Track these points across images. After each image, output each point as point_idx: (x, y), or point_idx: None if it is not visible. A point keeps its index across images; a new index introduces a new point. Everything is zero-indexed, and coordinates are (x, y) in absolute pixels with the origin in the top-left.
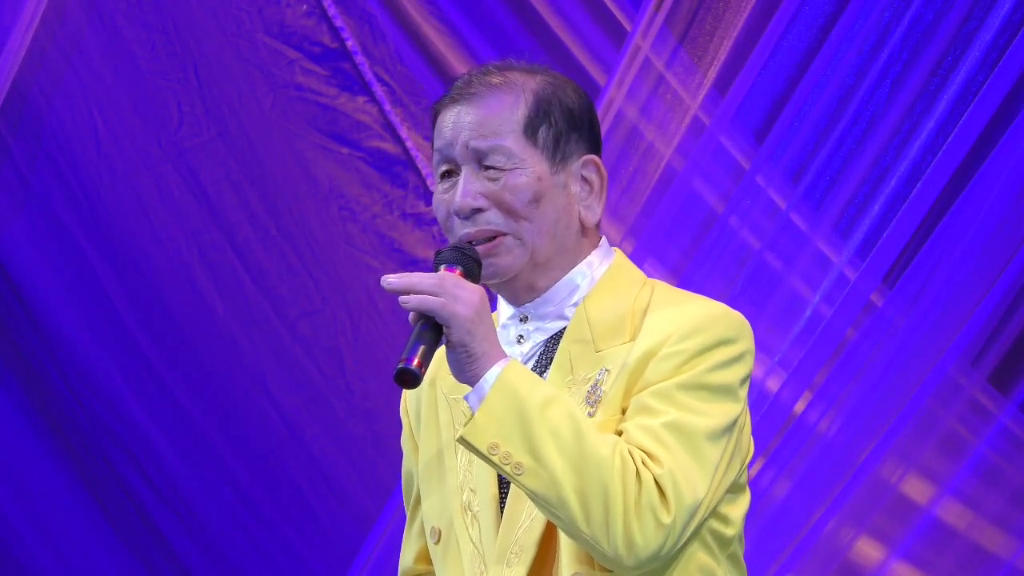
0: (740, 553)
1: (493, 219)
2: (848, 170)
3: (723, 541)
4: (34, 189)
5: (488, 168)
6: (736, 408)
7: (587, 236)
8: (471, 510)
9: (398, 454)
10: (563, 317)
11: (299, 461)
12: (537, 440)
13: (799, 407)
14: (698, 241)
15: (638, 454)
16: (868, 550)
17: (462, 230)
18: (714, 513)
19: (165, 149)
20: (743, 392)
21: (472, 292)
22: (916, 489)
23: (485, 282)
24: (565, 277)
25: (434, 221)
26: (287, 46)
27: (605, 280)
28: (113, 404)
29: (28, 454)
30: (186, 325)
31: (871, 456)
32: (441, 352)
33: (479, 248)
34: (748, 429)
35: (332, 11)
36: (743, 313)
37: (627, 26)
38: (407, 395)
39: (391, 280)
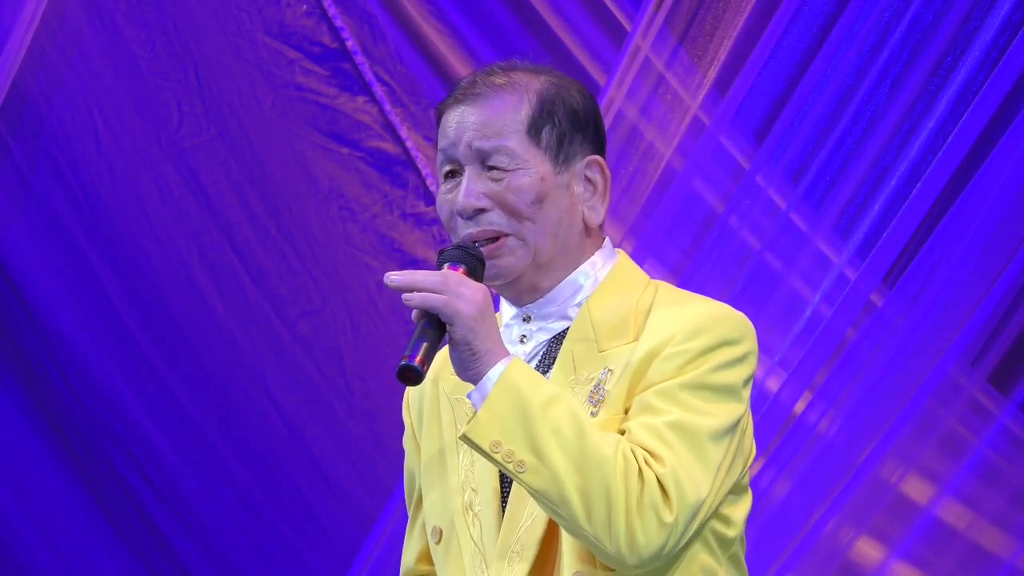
0: (742, 554)
1: (496, 220)
2: (848, 170)
3: (725, 542)
4: (34, 189)
5: (491, 168)
6: (739, 409)
7: (590, 237)
8: (472, 509)
9: (398, 454)
10: (566, 317)
11: (299, 461)
12: (539, 438)
13: (799, 407)
14: (698, 241)
15: (641, 453)
16: (868, 550)
17: (465, 230)
18: (716, 514)
19: (165, 149)
20: (746, 393)
21: (475, 290)
22: (916, 489)
23: (488, 283)
24: (568, 277)
25: (434, 221)
26: (287, 46)
27: (608, 280)
28: (113, 404)
29: (28, 454)
30: (186, 325)
31: (871, 456)
32: (444, 352)
33: (482, 249)
34: (750, 430)
35: (332, 11)
36: (743, 313)
37: (627, 26)
38: (409, 395)
39: (394, 277)
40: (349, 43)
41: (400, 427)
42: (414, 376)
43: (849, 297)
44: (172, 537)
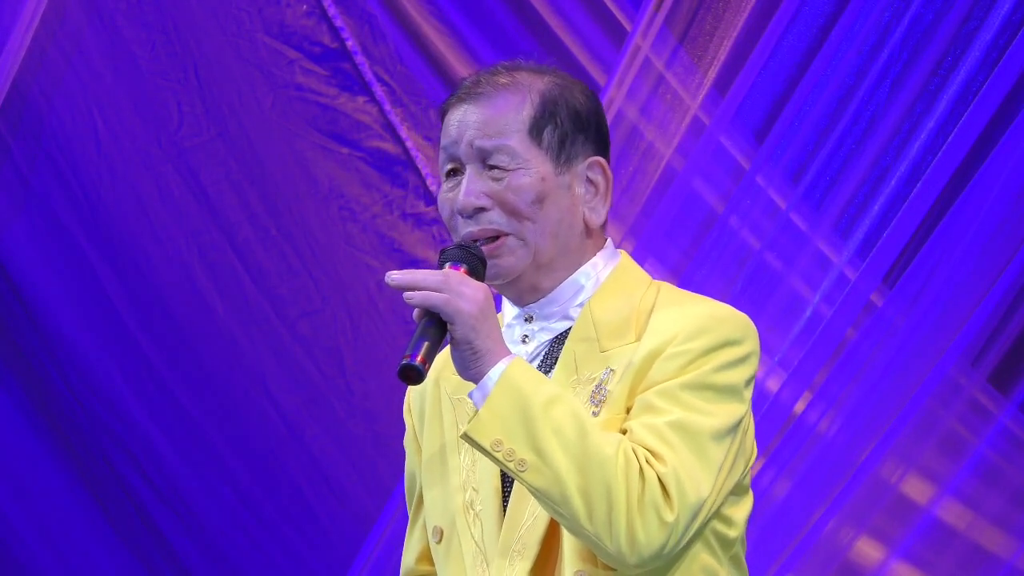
0: (742, 555)
1: (496, 219)
2: (848, 170)
3: (726, 542)
4: (34, 189)
5: (492, 168)
6: (741, 409)
7: (592, 238)
8: (473, 509)
9: (398, 454)
10: (568, 317)
11: (299, 461)
12: (541, 437)
13: (799, 407)
14: (698, 241)
15: (642, 452)
16: (868, 550)
17: (465, 229)
18: (717, 514)
19: (165, 149)
20: (748, 393)
21: (476, 289)
22: (916, 489)
23: (489, 282)
24: (570, 278)
25: (434, 221)
26: (287, 46)
27: (610, 281)
28: (113, 404)
29: (28, 454)
30: (186, 325)
31: (871, 456)
32: (445, 353)
33: (482, 249)
34: (752, 431)
35: (332, 11)
36: (744, 313)
37: (627, 26)
38: (410, 396)
39: (395, 276)
40: (349, 43)
41: (400, 427)
42: (415, 375)
43: (849, 297)
44: (172, 537)
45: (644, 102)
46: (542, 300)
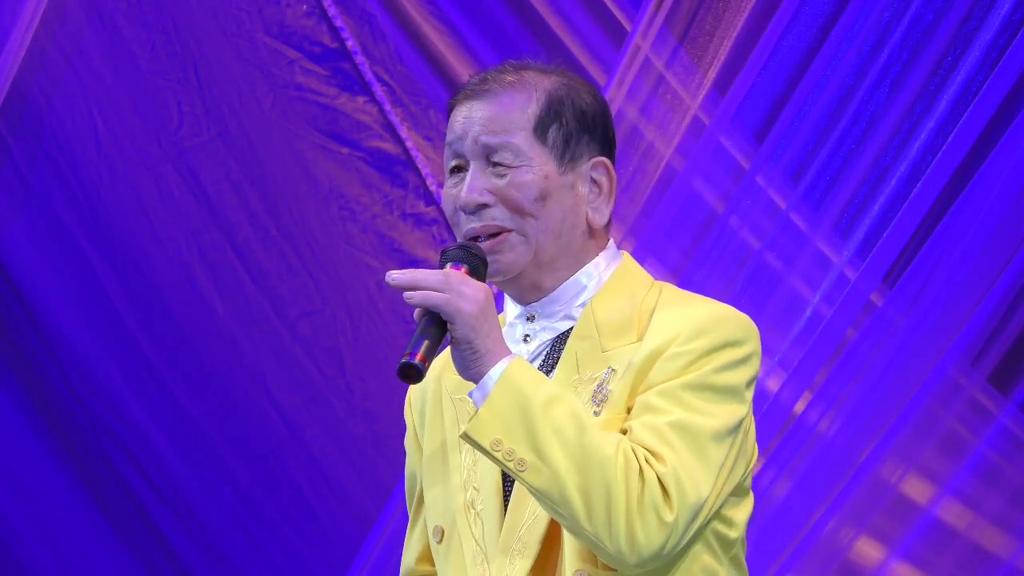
0: (743, 556)
1: (498, 215)
2: (848, 170)
3: (726, 543)
4: (34, 189)
5: (496, 165)
6: (742, 410)
7: (595, 238)
8: (474, 508)
9: (398, 454)
10: (570, 317)
11: (299, 461)
12: (540, 437)
13: (799, 407)
14: (698, 241)
15: (641, 452)
16: (868, 550)
17: (468, 225)
18: (718, 515)
19: (165, 149)
20: (749, 394)
21: (477, 289)
22: (916, 489)
23: (490, 280)
24: (572, 277)
25: (434, 221)
26: (287, 46)
27: (612, 281)
28: (113, 404)
29: (28, 454)
30: (186, 325)
31: (871, 456)
32: (446, 353)
33: (484, 244)
34: (753, 432)
35: (332, 11)
36: (746, 314)
37: (627, 26)
38: (411, 395)
39: (395, 276)
40: (349, 43)
41: (400, 427)
42: (415, 374)
43: (849, 297)
44: (172, 537)
45: (644, 102)
46: (544, 299)
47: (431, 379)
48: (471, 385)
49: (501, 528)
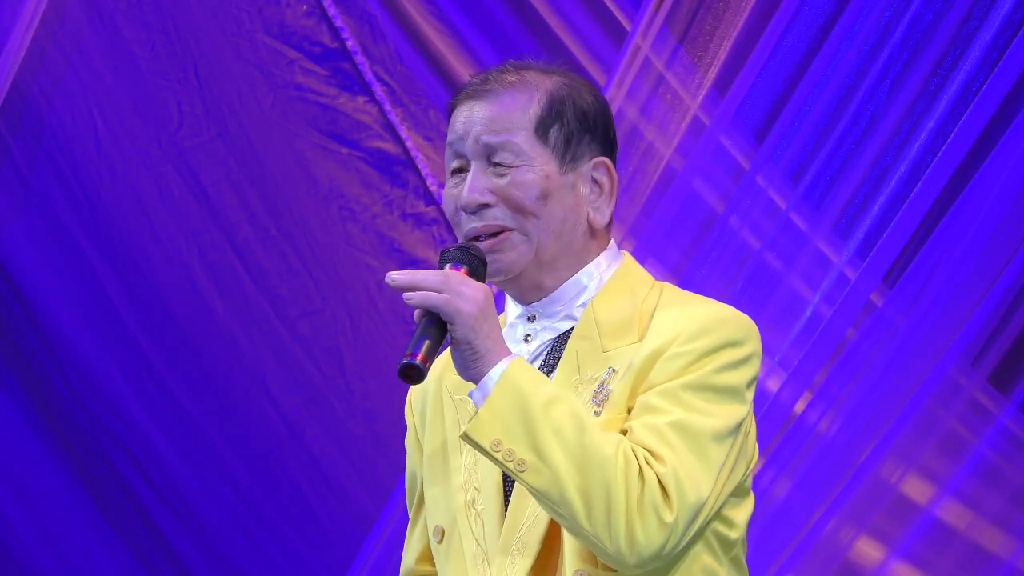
0: (743, 556)
1: (499, 215)
2: (848, 170)
3: (727, 544)
4: (34, 189)
5: (497, 164)
6: (742, 410)
7: (596, 238)
8: (475, 508)
9: (398, 454)
10: (571, 317)
11: (299, 461)
12: (540, 437)
13: (799, 407)
14: (698, 241)
15: (641, 452)
16: (868, 550)
17: (469, 225)
18: (718, 516)
19: (165, 149)
20: (749, 395)
21: (477, 289)
22: (916, 489)
23: (490, 279)
24: (573, 277)
25: (434, 221)
26: (287, 46)
27: (613, 282)
28: (113, 404)
29: (28, 454)
30: (186, 325)
31: (871, 456)
32: (447, 353)
33: (484, 243)
34: (753, 433)
35: (332, 11)
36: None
37: (627, 26)
38: (412, 395)
39: (395, 276)
40: (349, 43)
41: (401, 427)
42: (415, 374)
43: (849, 297)
44: (172, 537)
45: (644, 102)
46: (545, 299)
47: (432, 379)
48: (471, 385)
49: (501, 528)
